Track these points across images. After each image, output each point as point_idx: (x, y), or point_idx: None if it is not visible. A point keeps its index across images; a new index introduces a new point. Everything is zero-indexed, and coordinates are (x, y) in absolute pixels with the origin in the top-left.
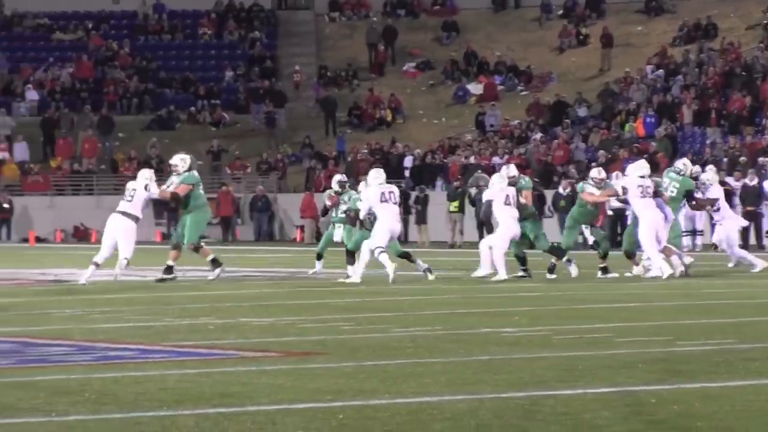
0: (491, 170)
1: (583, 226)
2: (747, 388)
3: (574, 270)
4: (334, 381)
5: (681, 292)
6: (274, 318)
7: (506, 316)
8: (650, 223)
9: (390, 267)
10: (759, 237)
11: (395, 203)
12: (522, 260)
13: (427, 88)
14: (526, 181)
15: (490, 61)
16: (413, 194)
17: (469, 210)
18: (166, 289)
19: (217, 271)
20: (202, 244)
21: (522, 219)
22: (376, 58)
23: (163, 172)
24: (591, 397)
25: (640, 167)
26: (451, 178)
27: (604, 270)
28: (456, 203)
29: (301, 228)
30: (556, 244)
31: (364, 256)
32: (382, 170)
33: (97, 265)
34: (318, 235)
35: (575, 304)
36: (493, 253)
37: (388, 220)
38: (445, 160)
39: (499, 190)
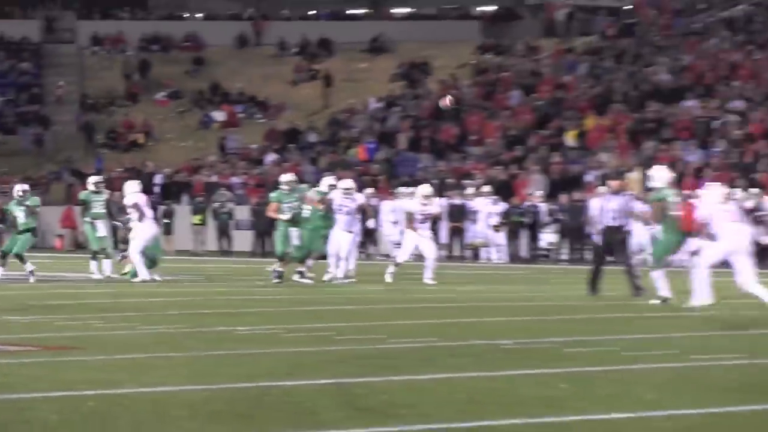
0: (230, 188)
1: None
2: (447, 381)
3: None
4: (87, 373)
5: (394, 296)
6: (35, 316)
7: (241, 316)
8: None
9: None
10: (462, 249)
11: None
12: None
13: (176, 114)
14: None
15: (232, 91)
16: (161, 208)
17: (211, 222)
18: None
19: None
20: None
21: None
22: (132, 88)
23: None
24: (313, 388)
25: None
26: (196, 194)
27: (301, 274)
28: (199, 217)
29: (61, 237)
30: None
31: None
32: (137, 182)
33: None
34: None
35: (303, 305)
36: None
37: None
38: (191, 179)
39: None
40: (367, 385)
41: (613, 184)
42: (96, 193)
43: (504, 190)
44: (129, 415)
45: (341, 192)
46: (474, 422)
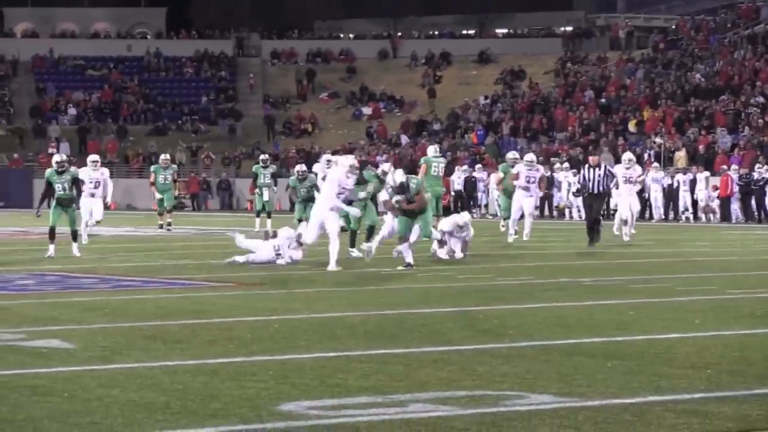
0: (376, 164)
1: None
2: (542, 309)
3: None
4: (272, 302)
5: (496, 244)
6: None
7: (383, 261)
8: None
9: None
10: (551, 211)
11: None
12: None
13: (335, 110)
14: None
15: (376, 92)
16: None
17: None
18: (159, 240)
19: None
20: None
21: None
22: (302, 90)
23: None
24: (441, 314)
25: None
26: None
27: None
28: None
29: (251, 201)
30: None
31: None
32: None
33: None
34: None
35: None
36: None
37: None
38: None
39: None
40: (482, 312)
41: (593, 159)
42: (264, 167)
43: (582, 165)
44: (304, 334)
45: (525, 165)
46: (564, 340)
